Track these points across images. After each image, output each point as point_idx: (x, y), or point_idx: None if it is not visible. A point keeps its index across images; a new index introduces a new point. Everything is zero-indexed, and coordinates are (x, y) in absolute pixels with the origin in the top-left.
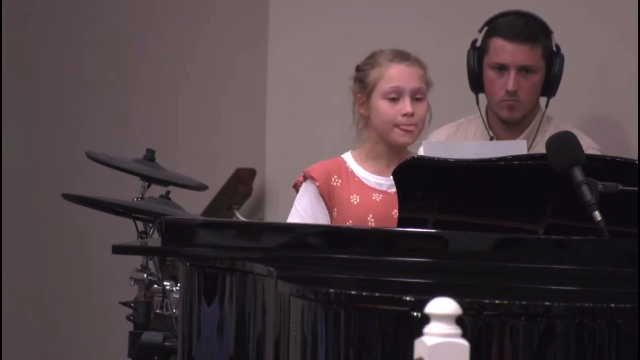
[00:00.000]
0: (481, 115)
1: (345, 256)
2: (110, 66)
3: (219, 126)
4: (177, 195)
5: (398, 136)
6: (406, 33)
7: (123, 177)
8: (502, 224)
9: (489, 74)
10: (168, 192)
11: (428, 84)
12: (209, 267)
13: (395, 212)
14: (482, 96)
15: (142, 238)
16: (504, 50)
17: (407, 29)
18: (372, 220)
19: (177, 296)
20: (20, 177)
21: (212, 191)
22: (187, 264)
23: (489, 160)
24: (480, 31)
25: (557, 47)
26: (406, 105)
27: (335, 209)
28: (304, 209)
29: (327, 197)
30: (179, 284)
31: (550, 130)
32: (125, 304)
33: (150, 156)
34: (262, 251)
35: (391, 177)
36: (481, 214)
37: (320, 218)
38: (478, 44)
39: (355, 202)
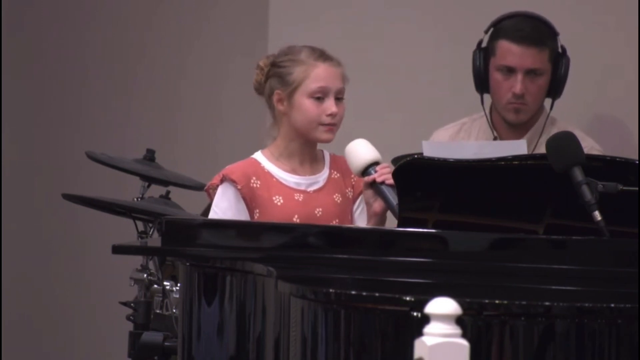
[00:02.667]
0: (485, 115)
1: (345, 256)
2: (110, 66)
3: (219, 126)
4: (177, 195)
5: (321, 133)
6: (406, 33)
7: (123, 177)
8: (502, 224)
9: (496, 76)
10: (168, 192)
11: (346, 82)
12: (209, 267)
13: (317, 211)
14: (485, 96)
15: (142, 238)
16: (512, 53)
17: (407, 29)
18: (298, 220)
19: (177, 296)
20: (20, 177)
21: None
22: (187, 264)
23: (489, 160)
24: (486, 32)
25: (563, 48)
26: (331, 105)
27: (257, 211)
28: (224, 211)
29: (249, 199)
30: (179, 284)
31: (554, 132)
32: (125, 304)
33: (150, 156)
34: (262, 251)
35: (307, 176)
36: (481, 214)
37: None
38: (484, 44)
39: (279, 204)
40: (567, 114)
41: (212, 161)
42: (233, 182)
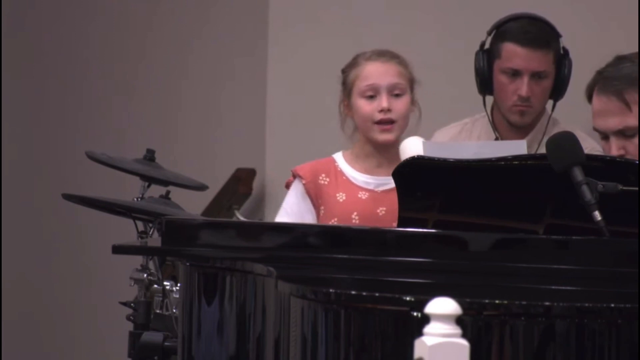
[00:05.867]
0: (487, 115)
1: (345, 256)
2: (110, 66)
3: (218, 126)
4: (177, 195)
5: (377, 134)
6: (406, 33)
7: (123, 177)
8: (502, 224)
9: (501, 79)
10: (168, 192)
11: (410, 80)
12: (209, 267)
13: (380, 210)
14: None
15: (142, 238)
16: (518, 55)
17: (408, 29)
18: (357, 218)
19: (177, 296)
20: (20, 177)
21: (212, 191)
22: (187, 264)
23: (489, 160)
24: (489, 34)
25: (565, 50)
26: (382, 101)
27: (322, 207)
28: (290, 206)
29: (314, 195)
30: (179, 284)
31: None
32: (125, 304)
33: (150, 156)
34: (262, 251)
35: (381, 176)
36: (481, 214)
37: (306, 216)
38: (487, 46)
39: (341, 200)
40: (568, 115)
41: (212, 161)
42: (300, 177)
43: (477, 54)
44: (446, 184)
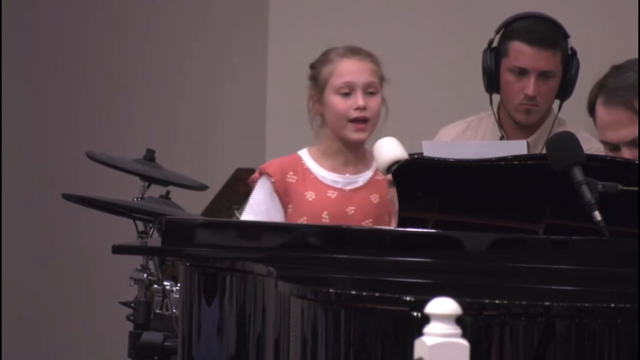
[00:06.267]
0: (494, 113)
1: (345, 256)
2: (110, 66)
3: (219, 126)
4: (177, 195)
5: (351, 132)
6: (406, 33)
7: (123, 177)
8: (502, 224)
9: (508, 78)
10: (168, 192)
11: (382, 78)
12: (209, 267)
13: (350, 210)
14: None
15: (142, 238)
16: (525, 54)
17: (408, 29)
18: (327, 217)
19: (177, 296)
20: (20, 177)
21: (212, 191)
22: (187, 264)
23: (489, 160)
24: (497, 32)
25: (573, 50)
26: (358, 99)
27: (290, 206)
28: (257, 205)
29: (283, 193)
30: (179, 284)
31: None
32: (125, 304)
33: (150, 156)
34: (262, 251)
35: (349, 174)
36: (481, 214)
37: (274, 214)
38: (494, 44)
39: (310, 199)
40: (574, 115)
41: (212, 161)
42: (268, 175)
43: (484, 52)
44: (446, 184)
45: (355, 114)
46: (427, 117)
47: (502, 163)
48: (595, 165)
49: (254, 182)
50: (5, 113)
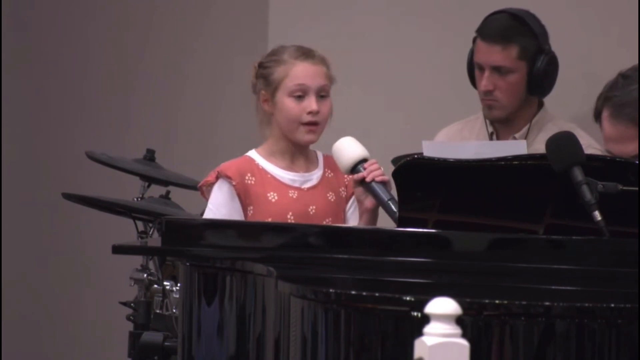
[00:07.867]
0: (483, 110)
1: (345, 256)
2: (110, 66)
3: (218, 126)
4: (177, 195)
5: (302, 134)
6: (406, 33)
7: (123, 177)
8: (502, 224)
9: (476, 73)
10: (168, 192)
11: (331, 80)
12: (209, 267)
13: (311, 209)
14: None
15: (142, 238)
16: (480, 50)
17: (408, 29)
18: (292, 217)
19: (177, 296)
20: (20, 176)
21: None
22: (187, 264)
23: (489, 160)
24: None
25: (540, 46)
26: (312, 103)
27: (251, 207)
28: (217, 208)
29: (243, 195)
30: (179, 284)
31: (550, 128)
32: (125, 304)
33: (150, 156)
34: (262, 251)
35: (300, 172)
36: (481, 214)
37: (235, 217)
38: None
39: (273, 200)
40: (564, 111)
41: (212, 161)
42: (228, 178)
43: (469, 50)
44: (446, 184)
45: (308, 118)
46: (427, 117)
47: (502, 163)
48: (595, 165)
49: (209, 184)
50: (5, 113)
